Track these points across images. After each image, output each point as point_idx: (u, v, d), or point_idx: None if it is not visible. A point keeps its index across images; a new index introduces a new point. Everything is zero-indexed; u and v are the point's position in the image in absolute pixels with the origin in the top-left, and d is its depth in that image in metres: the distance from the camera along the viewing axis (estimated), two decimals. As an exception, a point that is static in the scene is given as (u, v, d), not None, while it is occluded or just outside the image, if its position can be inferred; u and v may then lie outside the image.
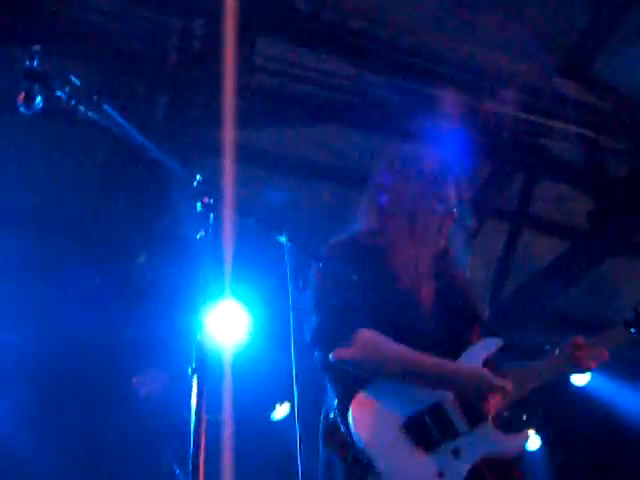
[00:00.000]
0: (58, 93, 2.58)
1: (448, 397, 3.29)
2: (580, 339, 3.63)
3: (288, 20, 5.57)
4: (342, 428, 3.25)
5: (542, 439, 8.55)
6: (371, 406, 3.25)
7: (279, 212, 6.46)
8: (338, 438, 3.26)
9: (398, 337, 3.35)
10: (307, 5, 5.55)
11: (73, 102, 2.60)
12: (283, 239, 2.99)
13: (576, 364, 3.60)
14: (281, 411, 7.81)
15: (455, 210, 3.66)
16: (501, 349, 3.52)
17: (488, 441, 3.25)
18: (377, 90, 6.11)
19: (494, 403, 3.30)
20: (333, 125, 6.47)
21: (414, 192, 3.64)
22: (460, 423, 3.25)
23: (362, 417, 3.23)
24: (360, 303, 3.39)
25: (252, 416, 7.01)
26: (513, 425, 3.42)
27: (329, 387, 3.50)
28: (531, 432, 8.66)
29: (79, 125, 2.85)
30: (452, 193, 3.69)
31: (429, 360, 3.30)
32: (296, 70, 5.88)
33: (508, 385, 3.32)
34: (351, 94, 6.13)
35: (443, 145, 5.08)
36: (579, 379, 7.59)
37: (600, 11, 6.30)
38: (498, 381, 3.28)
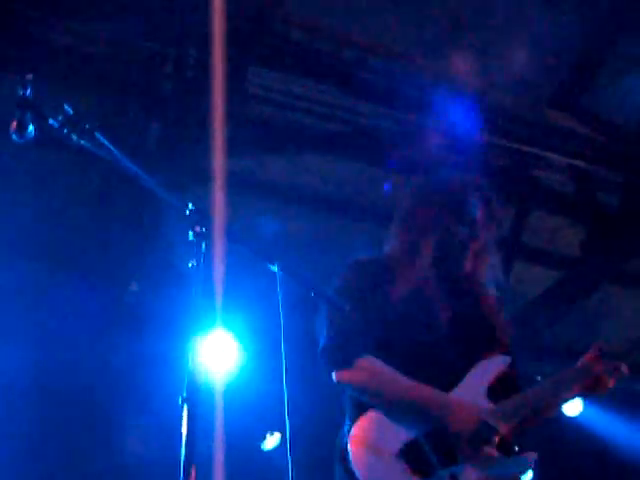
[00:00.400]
0: (51, 121, 2.58)
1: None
2: (602, 345, 3.59)
3: (281, 49, 5.60)
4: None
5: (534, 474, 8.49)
6: (369, 432, 3.25)
7: (271, 241, 6.45)
8: (346, 465, 3.26)
9: (406, 360, 3.35)
10: (300, 34, 5.58)
11: (66, 130, 2.60)
12: (275, 268, 2.99)
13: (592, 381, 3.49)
14: (272, 441, 7.77)
15: (481, 234, 3.67)
16: (512, 367, 3.49)
17: (489, 465, 3.18)
18: (369, 120, 6.13)
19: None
20: (326, 153, 6.49)
21: (434, 216, 3.64)
22: (461, 448, 3.20)
23: (359, 445, 3.22)
24: (369, 325, 3.40)
25: (242, 446, 6.98)
26: (517, 446, 3.33)
27: (345, 409, 3.51)
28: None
29: (72, 153, 2.85)
30: (480, 217, 3.68)
31: (427, 397, 3.27)
32: (289, 99, 5.90)
33: (503, 428, 3.25)
34: (344, 123, 6.15)
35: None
36: (571, 409, 7.57)
37: (590, 42, 6.35)
38: (494, 422, 3.21)
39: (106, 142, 2.64)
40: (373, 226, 7.09)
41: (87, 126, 2.60)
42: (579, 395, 3.57)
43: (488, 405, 3.31)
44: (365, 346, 3.37)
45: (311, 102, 5.95)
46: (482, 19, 6.13)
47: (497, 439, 3.21)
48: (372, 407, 3.31)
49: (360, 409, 3.33)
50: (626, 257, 7.31)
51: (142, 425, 7.29)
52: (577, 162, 6.42)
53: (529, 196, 6.90)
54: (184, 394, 2.61)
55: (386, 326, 3.42)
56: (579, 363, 3.60)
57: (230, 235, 2.95)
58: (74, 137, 2.59)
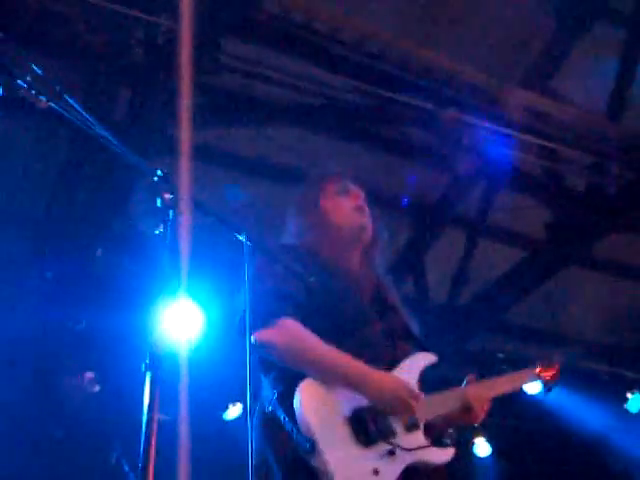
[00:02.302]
0: (19, 81, 2.55)
1: None
2: (473, 377, 3.74)
3: (255, 20, 5.55)
4: (282, 418, 3.26)
5: (492, 447, 8.63)
6: (320, 393, 3.28)
7: (237, 211, 6.44)
8: (276, 432, 3.27)
9: (339, 339, 3.39)
10: (274, 7, 5.54)
11: (34, 91, 2.56)
12: (243, 238, 2.99)
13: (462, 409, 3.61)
14: (234, 411, 7.80)
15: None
16: (432, 365, 3.61)
17: (419, 448, 3.30)
18: (341, 94, 6.12)
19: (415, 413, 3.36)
20: (296, 127, 6.47)
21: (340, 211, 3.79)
22: (397, 426, 3.31)
23: (310, 401, 3.25)
24: (296, 296, 3.45)
25: (204, 416, 6.98)
26: (439, 438, 3.53)
27: (266, 381, 3.51)
28: (481, 440, 8.75)
29: (39, 116, 2.81)
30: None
31: (348, 362, 3.32)
32: (261, 70, 5.87)
33: (427, 416, 3.41)
34: (315, 97, 6.14)
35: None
36: (531, 388, 7.63)
37: (562, 24, 6.38)
38: (411, 392, 3.34)
39: (75, 105, 2.61)
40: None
41: (57, 87, 2.56)
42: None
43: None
44: (288, 309, 3.41)
45: (283, 75, 5.92)
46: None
47: (421, 425, 3.37)
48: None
49: (301, 375, 3.34)
50: (591, 239, 7.36)
51: (104, 392, 7.28)
52: (545, 142, 6.45)
53: (496, 175, 6.93)
54: (147, 361, 2.61)
55: (316, 306, 3.48)
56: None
57: (197, 204, 2.94)
58: (43, 98, 2.56)
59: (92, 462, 6.99)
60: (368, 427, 3.24)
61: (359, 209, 3.80)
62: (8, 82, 2.53)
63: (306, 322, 3.40)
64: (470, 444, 8.69)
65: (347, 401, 3.29)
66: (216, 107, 6.09)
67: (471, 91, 6.16)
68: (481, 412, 3.58)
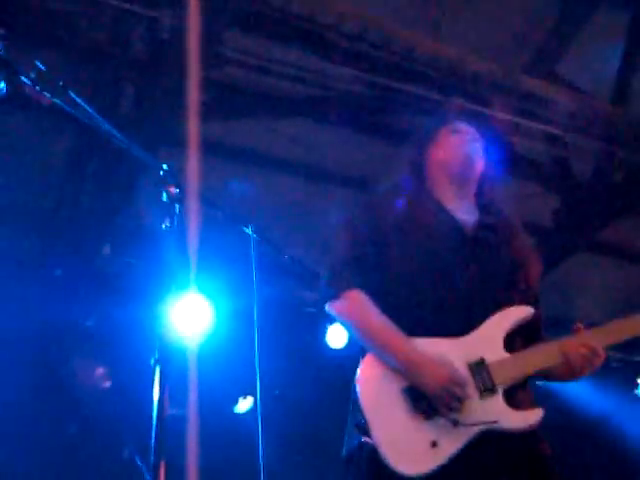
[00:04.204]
0: (23, 78, 2.55)
1: (460, 368, 3.16)
2: (579, 326, 3.39)
3: (259, 13, 5.54)
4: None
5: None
6: (377, 367, 3.21)
7: (244, 205, 6.44)
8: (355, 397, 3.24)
9: (420, 294, 3.29)
10: (277, -1, 5.53)
11: (38, 88, 2.56)
12: (249, 231, 2.98)
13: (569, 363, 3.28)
14: (244, 405, 7.80)
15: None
16: (532, 318, 3.36)
17: (493, 414, 3.10)
18: (346, 85, 6.11)
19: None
20: (301, 119, 6.46)
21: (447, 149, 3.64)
22: (468, 393, 3.12)
23: (368, 374, 3.21)
24: (370, 260, 3.36)
25: (215, 409, 6.99)
26: (526, 400, 3.23)
27: None
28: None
29: (45, 112, 2.82)
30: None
31: (397, 345, 3.19)
32: (265, 63, 5.87)
33: (506, 379, 3.17)
34: (320, 88, 6.13)
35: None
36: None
37: (567, 10, 6.35)
38: (459, 390, 3.10)
39: (80, 100, 2.61)
40: (345, 191, 7.10)
41: (60, 83, 2.56)
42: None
43: (502, 354, 3.22)
44: (359, 279, 3.33)
45: (287, 67, 5.92)
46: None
47: (500, 389, 3.15)
48: None
49: None
50: (598, 225, 7.35)
51: (115, 388, 7.29)
52: (551, 129, 6.43)
53: (502, 163, 6.91)
54: (156, 356, 2.61)
55: (396, 260, 3.36)
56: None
57: (204, 198, 2.94)
58: (47, 95, 2.56)
59: (105, 457, 7.01)
60: (427, 399, 3.10)
61: (465, 143, 3.63)
62: (13, 79, 2.53)
63: (380, 286, 3.33)
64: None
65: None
66: (220, 100, 6.09)
67: (476, 80, 6.15)
68: (584, 363, 3.26)
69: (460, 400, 3.08)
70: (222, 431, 7.11)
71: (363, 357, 3.27)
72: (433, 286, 3.30)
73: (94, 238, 6.72)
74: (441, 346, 3.20)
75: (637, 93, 6.62)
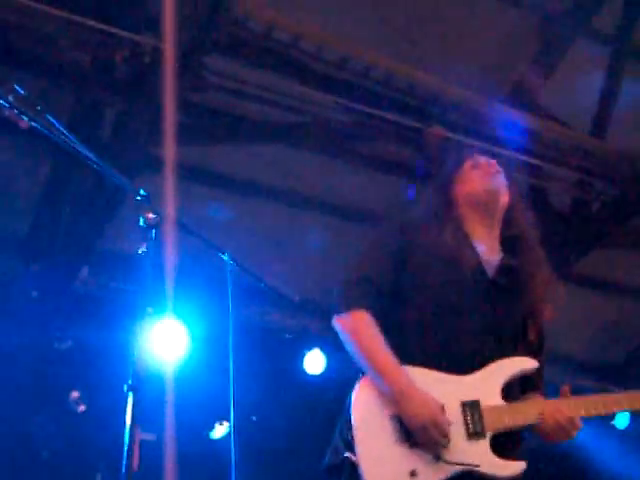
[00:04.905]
0: (1, 101, 2.54)
1: (454, 405, 3.18)
2: (566, 390, 3.38)
3: (240, 38, 5.57)
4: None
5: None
6: (374, 389, 3.21)
7: (224, 230, 6.43)
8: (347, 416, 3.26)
9: (429, 325, 3.30)
10: (259, 25, 5.56)
11: (16, 111, 2.55)
12: (225, 257, 2.98)
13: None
14: (221, 430, 7.76)
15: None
16: (531, 372, 3.36)
17: (476, 457, 3.12)
18: (326, 111, 6.13)
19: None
20: (280, 144, 6.48)
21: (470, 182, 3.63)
22: (455, 432, 3.13)
23: (363, 394, 3.22)
24: (385, 285, 3.37)
25: (191, 434, 6.95)
26: (511, 451, 3.22)
27: None
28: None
29: (24, 135, 2.81)
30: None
31: (394, 375, 3.19)
32: (246, 88, 5.88)
33: (496, 426, 3.18)
34: (300, 114, 6.15)
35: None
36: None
37: (547, 42, 6.42)
38: (437, 433, 3.09)
39: (58, 124, 2.60)
40: (325, 218, 7.11)
41: (38, 107, 2.56)
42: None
43: (498, 401, 3.23)
44: (370, 299, 3.34)
45: (268, 92, 5.94)
46: (439, 16, 6.19)
47: (488, 435, 3.16)
48: None
49: None
50: (576, 256, 7.38)
51: (90, 412, 7.23)
52: (530, 159, 6.47)
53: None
54: (130, 381, 2.60)
55: (414, 290, 3.36)
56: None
57: (181, 223, 2.94)
58: (25, 118, 2.55)
59: (77, 482, 6.95)
60: None
61: (489, 175, 3.60)
62: (-11, 102, 2.52)
63: (391, 310, 3.34)
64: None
65: None
66: (200, 125, 6.10)
67: (457, 109, 6.19)
68: (558, 429, 3.26)
69: (439, 442, 3.09)
70: (198, 456, 7.06)
71: (363, 376, 3.27)
72: (444, 319, 3.31)
73: (71, 261, 6.68)
74: (439, 380, 3.22)
75: (616, 125, 6.68)
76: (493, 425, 3.17)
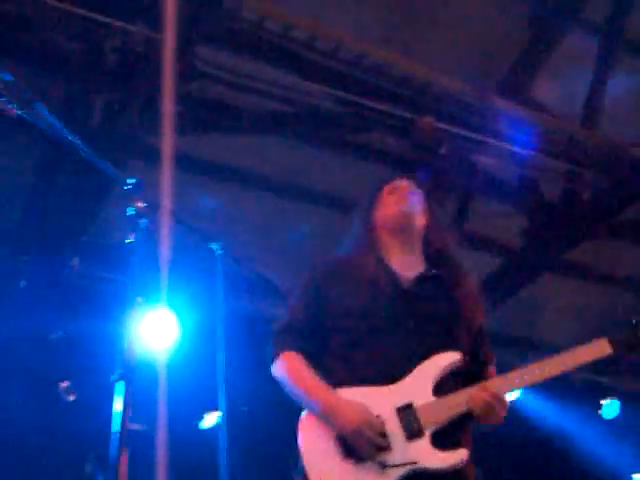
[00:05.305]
0: (-13, 89, 2.52)
1: (390, 413, 3.32)
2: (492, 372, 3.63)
3: (233, 28, 5.55)
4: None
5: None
6: (317, 416, 3.38)
7: (211, 220, 6.43)
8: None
9: (356, 347, 3.47)
10: (252, 15, 5.54)
11: (4, 99, 2.54)
12: (215, 247, 2.98)
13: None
14: (210, 420, 7.76)
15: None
16: (464, 363, 3.47)
17: (415, 455, 3.26)
18: (318, 101, 6.12)
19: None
20: (273, 135, 6.46)
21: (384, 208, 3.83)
22: (395, 438, 3.28)
23: (306, 426, 3.40)
24: (306, 325, 3.57)
25: (180, 424, 6.95)
26: (453, 442, 3.33)
27: None
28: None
29: (12, 122, 2.80)
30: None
31: (320, 396, 3.38)
32: (238, 79, 5.87)
33: (433, 422, 3.32)
34: (292, 105, 6.14)
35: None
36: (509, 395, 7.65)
37: (537, 32, 6.42)
38: (370, 432, 3.26)
39: (47, 113, 2.59)
40: (316, 208, 7.11)
41: (27, 96, 2.54)
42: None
43: (430, 399, 3.36)
44: (298, 342, 3.55)
45: (260, 83, 5.92)
46: (431, 6, 6.18)
47: (428, 432, 3.30)
48: None
49: None
50: (566, 246, 7.40)
51: (80, 402, 7.23)
52: (521, 150, 6.47)
53: (472, 182, 6.95)
54: (119, 371, 2.59)
55: (336, 318, 3.55)
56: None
57: (173, 213, 2.93)
58: (13, 107, 2.54)
59: (67, 472, 6.95)
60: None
61: (403, 199, 3.78)
62: (-23, 90, 2.51)
63: (321, 344, 3.54)
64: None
65: None
66: (192, 115, 6.08)
67: (448, 99, 6.18)
68: (486, 408, 3.37)
69: (376, 443, 3.25)
70: (187, 446, 7.06)
71: None
72: (367, 337, 3.48)
73: (61, 251, 6.67)
74: (370, 393, 3.37)
75: (606, 115, 6.68)
76: (429, 422, 3.31)
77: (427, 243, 3.80)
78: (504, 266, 7.81)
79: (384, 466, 3.22)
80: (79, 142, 2.72)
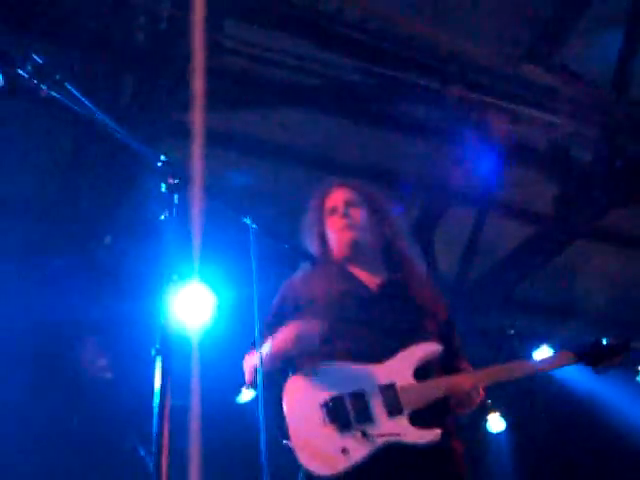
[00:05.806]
0: (19, 71, 2.54)
1: (373, 389, 3.63)
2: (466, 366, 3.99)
3: (257, 2, 5.53)
4: None
5: (506, 422, 8.65)
6: (301, 383, 3.67)
7: (243, 195, 6.44)
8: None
9: (338, 335, 3.76)
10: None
11: (35, 81, 2.56)
12: (248, 221, 3.00)
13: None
14: (247, 394, 7.80)
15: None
16: (440, 354, 3.82)
17: (396, 429, 3.55)
18: (346, 74, 6.10)
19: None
20: (300, 108, 6.45)
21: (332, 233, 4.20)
22: (377, 412, 3.58)
23: (291, 392, 3.65)
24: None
25: (217, 399, 7.00)
26: (429, 422, 3.61)
27: None
28: (495, 415, 8.78)
29: (43, 104, 2.82)
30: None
31: (281, 333, 3.71)
32: (265, 53, 5.85)
33: (413, 403, 3.64)
34: (319, 78, 6.12)
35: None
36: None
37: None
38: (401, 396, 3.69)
39: (77, 93, 2.60)
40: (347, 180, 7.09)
41: (57, 77, 2.56)
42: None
43: (410, 381, 3.69)
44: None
45: (288, 56, 5.91)
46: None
47: (406, 411, 3.60)
48: (302, 367, 3.75)
49: (292, 370, 3.78)
50: (598, 212, 7.35)
51: (118, 379, 7.30)
52: (550, 117, 6.42)
53: (502, 150, 6.90)
54: (157, 346, 2.62)
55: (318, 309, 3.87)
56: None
57: (204, 188, 2.95)
58: (44, 88, 2.56)
59: (107, 448, 7.03)
60: (345, 412, 3.56)
61: (343, 226, 4.10)
62: (9, 71, 2.53)
63: None
64: (483, 420, 8.72)
65: (325, 389, 3.62)
66: (220, 90, 6.07)
67: (476, 68, 6.14)
68: (464, 397, 3.75)
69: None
70: (225, 421, 7.12)
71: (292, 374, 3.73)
72: (346, 331, 3.81)
73: (95, 229, 6.72)
74: (357, 369, 3.70)
75: (637, 80, 6.60)
76: (409, 402, 3.63)
77: (387, 249, 4.14)
78: (536, 234, 7.77)
79: (365, 435, 3.49)
80: (110, 121, 2.74)
